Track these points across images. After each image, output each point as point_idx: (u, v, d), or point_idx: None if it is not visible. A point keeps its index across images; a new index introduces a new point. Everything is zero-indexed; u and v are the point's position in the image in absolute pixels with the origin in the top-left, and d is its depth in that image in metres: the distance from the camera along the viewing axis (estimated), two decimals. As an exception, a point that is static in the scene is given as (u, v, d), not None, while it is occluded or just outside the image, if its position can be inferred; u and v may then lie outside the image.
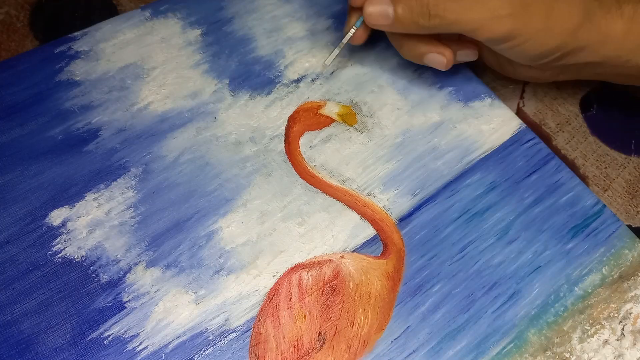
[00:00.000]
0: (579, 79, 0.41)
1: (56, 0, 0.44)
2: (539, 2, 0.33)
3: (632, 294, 0.34)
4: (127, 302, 0.32)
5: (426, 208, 0.37)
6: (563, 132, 0.41)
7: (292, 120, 0.39)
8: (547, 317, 0.33)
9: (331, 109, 0.40)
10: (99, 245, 0.34)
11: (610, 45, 0.34)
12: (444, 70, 0.39)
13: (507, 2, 0.33)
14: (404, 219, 0.36)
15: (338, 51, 0.40)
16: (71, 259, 0.33)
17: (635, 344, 0.33)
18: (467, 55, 0.39)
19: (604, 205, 0.37)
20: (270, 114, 0.40)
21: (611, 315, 0.34)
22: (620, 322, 0.33)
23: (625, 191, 0.39)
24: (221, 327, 0.32)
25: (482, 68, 0.43)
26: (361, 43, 0.40)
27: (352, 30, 0.38)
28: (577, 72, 0.38)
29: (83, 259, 0.33)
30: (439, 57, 0.37)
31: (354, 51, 0.43)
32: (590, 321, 0.33)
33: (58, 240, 0.34)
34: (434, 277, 0.34)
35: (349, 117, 0.40)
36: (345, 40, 0.39)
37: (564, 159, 0.40)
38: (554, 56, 0.35)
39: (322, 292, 0.33)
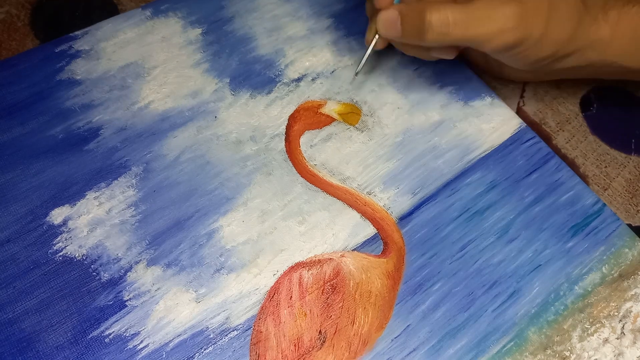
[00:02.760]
0: (575, 79, 0.41)
1: (57, 0, 0.44)
2: (538, 12, 0.33)
3: (632, 292, 0.34)
4: (127, 300, 0.32)
5: (426, 207, 0.37)
6: (563, 131, 0.42)
7: (292, 119, 0.40)
8: (547, 315, 0.33)
9: (331, 108, 0.40)
10: (100, 244, 0.34)
11: (596, 50, 0.35)
12: (451, 58, 0.38)
13: (511, 16, 0.33)
14: (404, 217, 0.36)
15: (364, 60, 0.39)
16: (72, 257, 0.33)
17: (635, 343, 0.33)
18: (446, 53, 0.38)
19: (604, 204, 0.37)
20: (270, 112, 0.40)
21: (611, 313, 0.34)
22: (620, 320, 0.33)
23: (625, 190, 0.39)
24: (222, 325, 0.32)
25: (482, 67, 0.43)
26: (383, 47, 0.39)
27: (376, 37, 0.38)
28: (562, 74, 0.39)
29: (84, 258, 0.33)
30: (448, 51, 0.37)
31: (353, 51, 0.43)
32: (590, 320, 0.33)
33: (59, 238, 0.34)
34: (434, 275, 0.34)
35: (351, 116, 0.40)
36: (370, 50, 0.38)
37: (564, 158, 0.40)
38: (546, 62, 0.36)
39: (323, 290, 0.33)
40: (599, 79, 0.43)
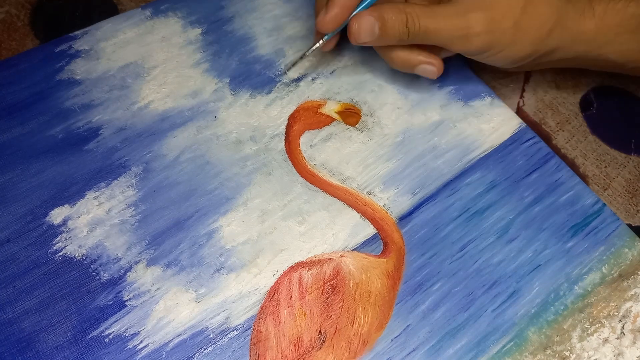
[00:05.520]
0: (575, 79, 0.41)
1: (57, 0, 0.44)
2: (507, 17, 0.34)
3: (632, 292, 0.34)
4: (127, 300, 0.32)
5: (426, 207, 0.37)
6: (563, 131, 0.42)
7: (292, 119, 0.40)
8: (547, 315, 0.33)
9: (331, 108, 0.40)
10: (100, 244, 0.34)
11: (581, 44, 0.36)
12: (434, 78, 0.39)
13: (480, 19, 0.34)
14: (404, 217, 0.36)
15: (300, 60, 0.40)
16: (72, 257, 0.33)
17: (635, 343, 0.33)
18: (427, 72, 0.39)
19: (604, 204, 0.37)
20: (270, 112, 0.40)
21: (611, 313, 0.34)
22: (620, 320, 0.33)
23: (625, 190, 0.39)
24: (222, 325, 0.32)
25: (482, 67, 0.43)
26: (330, 49, 0.41)
27: (321, 42, 0.38)
28: (551, 64, 0.39)
29: (84, 258, 0.33)
30: (430, 67, 0.38)
31: (353, 51, 0.43)
32: (590, 320, 0.33)
33: (59, 238, 0.34)
34: (434, 275, 0.34)
35: (351, 116, 0.40)
36: (309, 52, 0.39)
37: (564, 158, 0.40)
38: (528, 60, 0.37)
39: (323, 290, 0.33)
40: (598, 78, 0.43)
